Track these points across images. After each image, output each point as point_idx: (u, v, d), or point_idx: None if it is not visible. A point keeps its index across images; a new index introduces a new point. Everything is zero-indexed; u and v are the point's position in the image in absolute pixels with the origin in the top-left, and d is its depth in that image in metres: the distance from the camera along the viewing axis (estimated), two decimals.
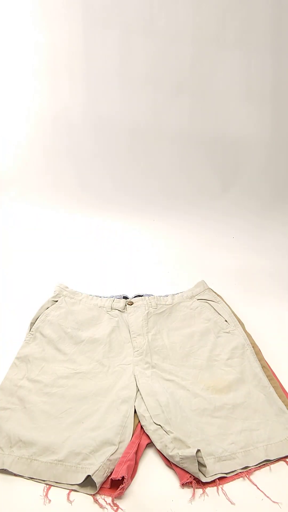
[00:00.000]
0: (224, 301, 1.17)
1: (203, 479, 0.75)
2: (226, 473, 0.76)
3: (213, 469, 0.76)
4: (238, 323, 1.10)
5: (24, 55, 2.10)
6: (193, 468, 0.74)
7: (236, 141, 2.25)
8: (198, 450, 0.75)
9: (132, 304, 1.13)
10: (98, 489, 0.73)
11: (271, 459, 0.79)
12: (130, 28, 2.09)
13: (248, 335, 1.06)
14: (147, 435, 0.82)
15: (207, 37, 2.11)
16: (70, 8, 2.04)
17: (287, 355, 1.08)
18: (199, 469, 0.75)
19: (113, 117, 2.22)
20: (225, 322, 1.10)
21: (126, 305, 1.14)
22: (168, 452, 0.78)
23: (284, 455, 0.80)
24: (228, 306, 1.16)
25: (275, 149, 2.25)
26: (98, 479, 0.73)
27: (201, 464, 0.76)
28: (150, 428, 0.83)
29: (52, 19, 2.05)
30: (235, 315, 1.13)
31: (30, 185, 2.13)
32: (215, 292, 1.20)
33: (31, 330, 1.07)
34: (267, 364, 1.00)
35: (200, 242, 1.73)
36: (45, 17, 2.05)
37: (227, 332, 1.07)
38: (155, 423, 0.83)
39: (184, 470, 0.75)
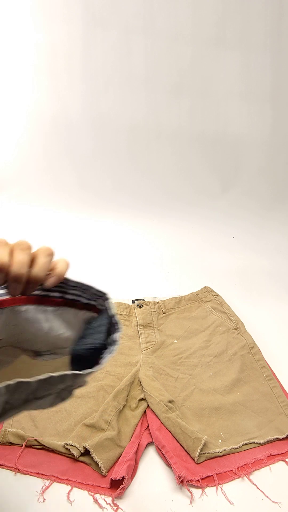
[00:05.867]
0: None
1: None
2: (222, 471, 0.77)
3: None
4: (239, 323, 1.10)
5: (24, 55, 2.10)
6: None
7: (236, 141, 2.25)
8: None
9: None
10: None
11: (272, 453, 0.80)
12: (130, 28, 2.09)
13: (248, 335, 1.07)
14: (147, 434, 0.82)
15: (207, 37, 2.11)
16: (70, 8, 2.05)
17: (287, 355, 1.08)
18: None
19: (112, 117, 2.22)
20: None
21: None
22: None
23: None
24: (228, 306, 1.16)
25: (274, 148, 2.25)
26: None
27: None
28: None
29: (52, 19, 2.06)
30: (235, 315, 1.13)
31: (30, 184, 2.13)
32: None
33: None
34: (267, 364, 1.00)
35: (200, 242, 1.73)
36: (45, 17, 2.05)
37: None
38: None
39: (180, 465, 0.75)
